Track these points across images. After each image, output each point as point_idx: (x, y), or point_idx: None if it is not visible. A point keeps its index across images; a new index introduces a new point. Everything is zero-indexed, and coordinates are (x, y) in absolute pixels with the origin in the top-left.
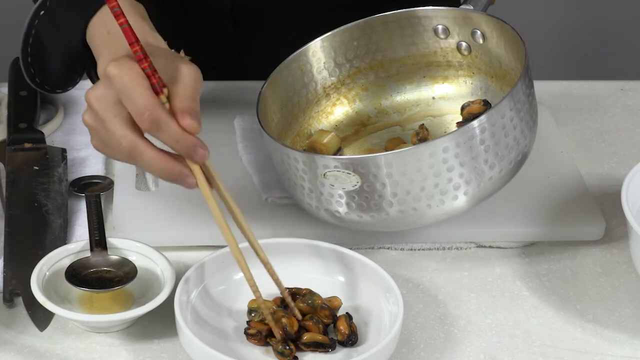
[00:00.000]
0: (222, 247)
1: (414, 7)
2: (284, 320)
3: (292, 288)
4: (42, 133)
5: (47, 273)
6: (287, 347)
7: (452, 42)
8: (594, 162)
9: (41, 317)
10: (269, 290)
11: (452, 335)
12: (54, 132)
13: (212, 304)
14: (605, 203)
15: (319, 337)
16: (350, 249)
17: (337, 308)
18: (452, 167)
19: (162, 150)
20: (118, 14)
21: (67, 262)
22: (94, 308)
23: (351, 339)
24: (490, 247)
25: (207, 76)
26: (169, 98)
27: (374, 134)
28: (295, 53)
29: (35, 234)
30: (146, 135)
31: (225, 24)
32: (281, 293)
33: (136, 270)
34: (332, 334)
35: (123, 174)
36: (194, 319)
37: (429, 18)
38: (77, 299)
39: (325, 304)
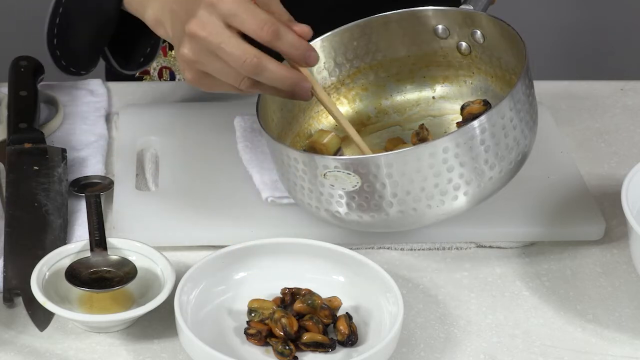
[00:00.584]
0: (222, 247)
1: (414, 7)
2: (283, 320)
3: (292, 288)
4: (42, 133)
5: (47, 273)
6: (287, 347)
7: (452, 42)
8: (594, 162)
9: (41, 317)
10: (269, 291)
11: (452, 335)
12: (54, 132)
13: (212, 304)
14: (605, 203)
15: (319, 337)
16: (350, 249)
17: (337, 308)
18: (452, 167)
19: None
20: None
21: (67, 262)
22: (94, 308)
23: (351, 339)
24: (490, 247)
25: None
26: None
27: (374, 134)
28: None
29: (35, 234)
30: None
31: None
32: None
33: (136, 270)
34: (332, 334)
35: (123, 174)
36: (194, 319)
37: (429, 18)
38: (77, 299)
39: (325, 304)
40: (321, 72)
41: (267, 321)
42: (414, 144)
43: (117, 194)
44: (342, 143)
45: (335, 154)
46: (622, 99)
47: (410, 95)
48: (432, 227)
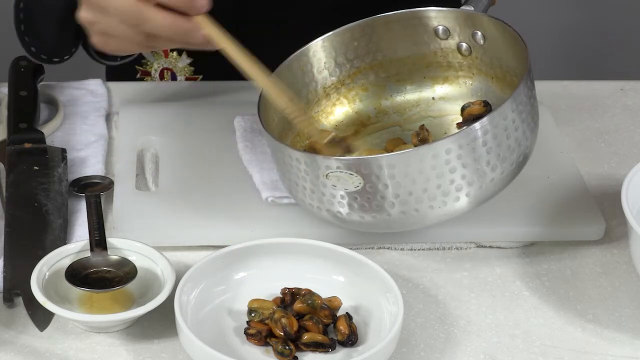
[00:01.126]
0: (222, 247)
1: (414, 7)
2: (283, 320)
3: (292, 288)
4: (42, 133)
5: (47, 273)
6: (287, 347)
7: (452, 42)
8: (594, 162)
9: (41, 317)
10: (269, 291)
11: (452, 335)
12: (54, 132)
13: (212, 304)
14: (605, 203)
15: (319, 337)
16: (350, 249)
17: (337, 308)
18: (455, 168)
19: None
20: None
21: (67, 262)
22: (94, 308)
23: (351, 339)
24: (490, 247)
25: (207, 76)
26: None
27: (374, 134)
28: (296, 53)
29: (35, 234)
30: None
31: (226, 24)
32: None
33: (136, 270)
34: (332, 334)
35: (123, 174)
36: (194, 319)
37: (429, 19)
38: (77, 299)
39: (325, 304)
40: (322, 72)
41: (267, 321)
42: (414, 145)
43: (117, 194)
44: None
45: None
46: (622, 99)
47: (410, 96)
48: (432, 227)
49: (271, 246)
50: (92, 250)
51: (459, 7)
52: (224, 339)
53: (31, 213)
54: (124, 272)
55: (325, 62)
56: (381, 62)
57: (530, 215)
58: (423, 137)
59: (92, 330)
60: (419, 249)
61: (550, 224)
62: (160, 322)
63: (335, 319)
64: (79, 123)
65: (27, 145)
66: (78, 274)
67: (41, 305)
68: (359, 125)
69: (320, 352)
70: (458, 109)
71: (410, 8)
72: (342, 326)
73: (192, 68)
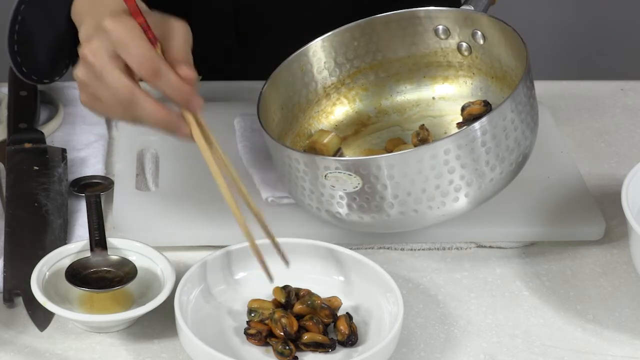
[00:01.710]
0: (222, 247)
1: (414, 7)
2: (283, 320)
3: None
4: (42, 133)
5: (47, 273)
6: (287, 347)
7: (452, 42)
8: (594, 162)
9: (41, 317)
10: (269, 291)
11: (452, 335)
12: (54, 132)
13: (212, 304)
14: (605, 203)
15: (319, 337)
16: (350, 249)
17: (337, 308)
18: (454, 168)
19: (159, 101)
20: None
21: (67, 262)
22: (94, 308)
23: (351, 339)
24: (490, 247)
25: (207, 76)
26: (163, 52)
27: (374, 134)
28: (295, 53)
29: (35, 234)
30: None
31: (226, 24)
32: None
33: (136, 270)
34: (332, 334)
35: (123, 174)
36: (194, 319)
37: (429, 18)
38: (77, 299)
39: (325, 304)
40: (321, 72)
41: (267, 321)
42: (414, 145)
43: (117, 194)
44: (342, 143)
45: (335, 154)
46: (622, 99)
47: (410, 96)
48: (432, 227)
49: (271, 246)
50: (92, 250)
51: (459, 7)
52: (224, 339)
53: (31, 213)
54: (124, 272)
55: (325, 62)
56: (381, 62)
57: (530, 215)
58: (423, 137)
59: (92, 330)
60: (419, 249)
61: (550, 224)
62: (160, 322)
63: (335, 318)
64: (79, 123)
65: (27, 145)
66: (78, 274)
67: (41, 305)
68: (359, 125)
69: (320, 352)
70: (458, 108)
71: (410, 8)
72: (343, 326)
73: None
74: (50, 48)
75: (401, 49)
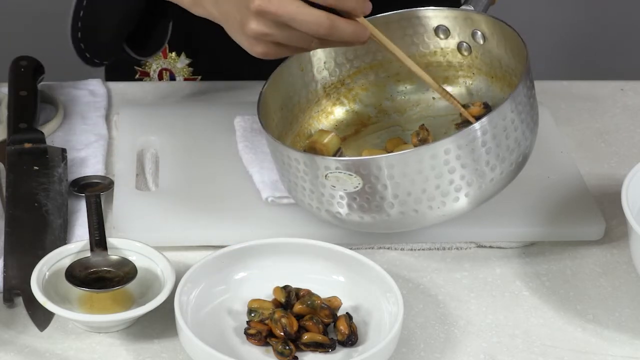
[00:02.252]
0: (222, 247)
1: (414, 7)
2: (283, 320)
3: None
4: (42, 133)
5: (47, 273)
6: (287, 347)
7: (452, 42)
8: (594, 162)
9: (41, 317)
10: (269, 291)
11: (452, 335)
12: (54, 132)
13: (212, 304)
14: (605, 203)
15: (319, 337)
16: (350, 249)
17: (337, 308)
18: (454, 168)
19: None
20: None
21: (67, 262)
22: (94, 308)
23: (351, 339)
24: (490, 247)
25: (207, 76)
26: None
27: (374, 134)
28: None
29: (35, 234)
30: None
31: None
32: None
33: (136, 270)
34: (332, 334)
35: (123, 174)
36: (194, 319)
37: (429, 18)
38: (77, 299)
39: (325, 304)
40: (321, 72)
41: (267, 321)
42: (414, 145)
43: (117, 194)
44: (342, 143)
45: (335, 154)
46: (622, 99)
47: (410, 96)
48: (432, 227)
49: (271, 246)
50: (92, 250)
51: (458, 7)
52: (224, 339)
53: (31, 213)
54: (124, 272)
55: (325, 62)
56: (381, 61)
57: (530, 215)
58: (423, 137)
59: (92, 330)
60: (419, 249)
61: (550, 224)
62: (160, 322)
63: (335, 318)
64: (79, 123)
65: (27, 145)
66: (78, 274)
67: (41, 305)
68: (359, 125)
69: (320, 352)
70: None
71: (410, 8)
72: (342, 326)
73: (190, 69)
74: (116, 29)
75: (401, 49)
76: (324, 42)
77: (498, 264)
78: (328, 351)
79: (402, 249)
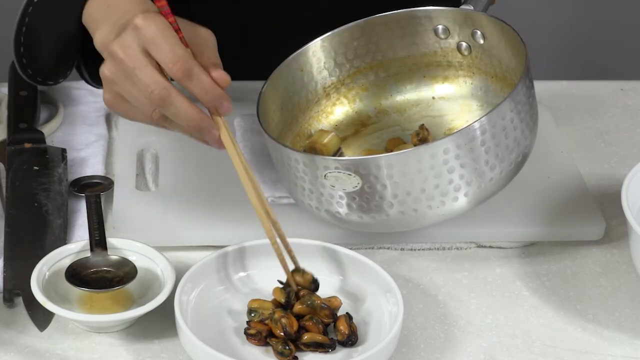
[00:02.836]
0: (222, 247)
1: (414, 7)
2: (283, 320)
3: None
4: (42, 133)
5: (47, 273)
6: (287, 347)
7: (452, 42)
8: (594, 162)
9: (41, 317)
10: (269, 291)
11: (452, 335)
12: (54, 132)
13: (212, 304)
14: (605, 203)
15: (319, 337)
16: (350, 249)
17: (337, 308)
18: (453, 168)
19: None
20: None
21: (67, 262)
22: (94, 308)
23: (351, 339)
24: (490, 247)
25: None
26: (193, 56)
27: (374, 134)
28: (295, 53)
29: (35, 234)
30: None
31: (226, 24)
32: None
33: (136, 270)
34: (332, 334)
35: (123, 174)
36: (194, 319)
37: (429, 18)
38: (77, 299)
39: (325, 304)
40: (321, 72)
41: (267, 321)
42: (414, 144)
43: (117, 194)
44: (342, 143)
45: (335, 154)
46: (622, 99)
47: (410, 95)
48: (432, 227)
49: (271, 246)
50: (92, 250)
51: (458, 7)
52: (224, 339)
53: (31, 213)
54: (124, 272)
55: (324, 62)
56: (381, 61)
57: (530, 215)
58: (423, 137)
59: (92, 330)
60: (419, 249)
61: (550, 224)
62: (160, 322)
63: (335, 318)
64: (79, 123)
65: (27, 145)
66: (78, 274)
67: (41, 305)
68: (359, 125)
69: (320, 352)
70: (458, 108)
71: (409, 7)
72: (343, 326)
73: None
74: (56, 50)
75: (401, 49)
76: (167, 120)
77: (498, 264)
78: (328, 351)
79: (402, 249)
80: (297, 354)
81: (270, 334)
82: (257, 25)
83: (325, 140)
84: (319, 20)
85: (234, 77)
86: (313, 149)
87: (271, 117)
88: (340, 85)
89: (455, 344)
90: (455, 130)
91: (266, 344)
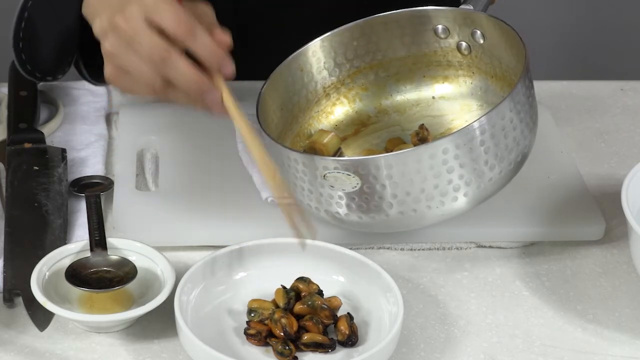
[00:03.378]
0: (222, 247)
1: (414, 7)
2: (283, 320)
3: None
4: (42, 133)
5: (47, 273)
6: (287, 347)
7: (452, 42)
8: (594, 162)
9: (41, 317)
10: (269, 291)
11: (452, 335)
12: (54, 132)
13: (212, 304)
14: (605, 203)
15: (319, 338)
16: (350, 249)
17: (337, 308)
18: (452, 168)
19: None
20: None
21: (67, 262)
22: (94, 308)
23: (351, 339)
24: (490, 247)
25: None
26: None
27: (374, 134)
28: (295, 53)
29: (35, 234)
30: None
31: (226, 24)
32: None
33: (136, 270)
34: (332, 334)
35: (123, 174)
36: (194, 319)
37: (429, 18)
38: (77, 299)
39: (325, 304)
40: (321, 72)
41: (267, 321)
42: (414, 144)
43: (117, 194)
44: (342, 143)
45: (335, 154)
46: (622, 99)
47: (410, 95)
48: (432, 227)
49: (271, 246)
50: (92, 250)
51: (458, 6)
52: (224, 339)
53: (31, 213)
54: (124, 272)
55: (324, 62)
56: (381, 61)
57: (530, 215)
58: (423, 137)
59: (92, 330)
60: (419, 249)
61: (550, 224)
62: (160, 322)
63: (335, 319)
64: (79, 123)
65: (27, 145)
66: (78, 274)
67: (41, 305)
68: (359, 125)
69: (320, 352)
70: (458, 108)
71: (409, 7)
72: (343, 326)
73: None
74: (55, 45)
75: (401, 49)
76: (169, 87)
77: (498, 264)
78: (328, 351)
79: (402, 249)
80: (297, 354)
81: (270, 334)
82: (257, 25)
83: (325, 140)
84: (319, 20)
85: (234, 77)
86: (313, 149)
87: (271, 117)
88: (340, 85)
89: (455, 344)
90: (455, 130)
91: (266, 344)
